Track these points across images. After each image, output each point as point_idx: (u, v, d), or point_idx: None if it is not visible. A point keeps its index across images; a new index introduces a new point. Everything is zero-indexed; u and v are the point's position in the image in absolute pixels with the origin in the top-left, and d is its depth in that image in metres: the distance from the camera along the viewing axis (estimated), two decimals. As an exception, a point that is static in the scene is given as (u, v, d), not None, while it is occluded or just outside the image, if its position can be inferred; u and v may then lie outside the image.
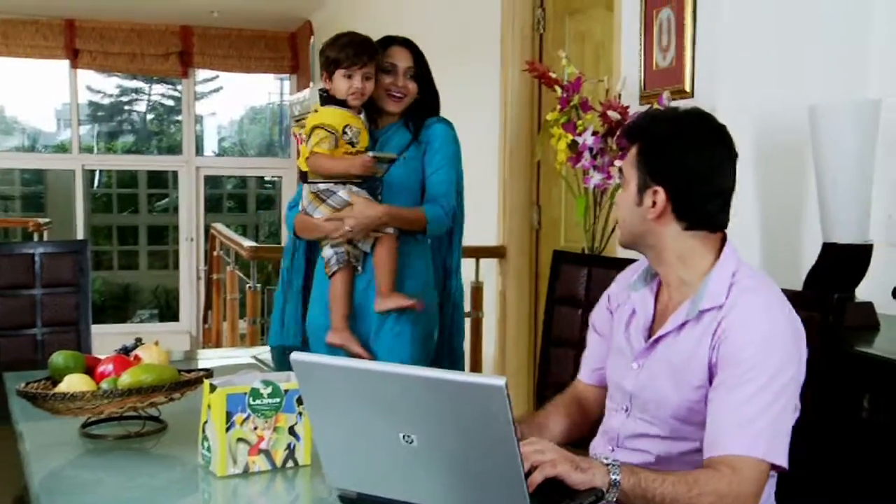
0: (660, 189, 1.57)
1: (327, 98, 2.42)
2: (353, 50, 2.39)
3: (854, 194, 2.17)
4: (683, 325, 1.58)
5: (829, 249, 2.20)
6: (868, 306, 2.20)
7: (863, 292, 2.23)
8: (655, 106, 2.55)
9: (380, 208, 2.36)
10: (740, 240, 2.43)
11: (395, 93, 2.46)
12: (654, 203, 1.58)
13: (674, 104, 2.54)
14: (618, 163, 2.51)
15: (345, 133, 2.36)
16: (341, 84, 2.38)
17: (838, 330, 1.69)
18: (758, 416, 1.45)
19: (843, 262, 2.18)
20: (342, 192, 2.37)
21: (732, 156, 1.63)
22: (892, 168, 2.34)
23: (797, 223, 2.48)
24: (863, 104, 2.19)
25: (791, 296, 1.59)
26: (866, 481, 1.86)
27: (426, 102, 2.53)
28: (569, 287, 2.48)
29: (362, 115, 2.42)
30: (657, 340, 1.62)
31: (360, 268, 2.43)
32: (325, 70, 2.43)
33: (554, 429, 1.75)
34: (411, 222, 2.41)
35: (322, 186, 2.39)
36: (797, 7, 2.46)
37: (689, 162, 1.58)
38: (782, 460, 1.47)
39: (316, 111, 2.43)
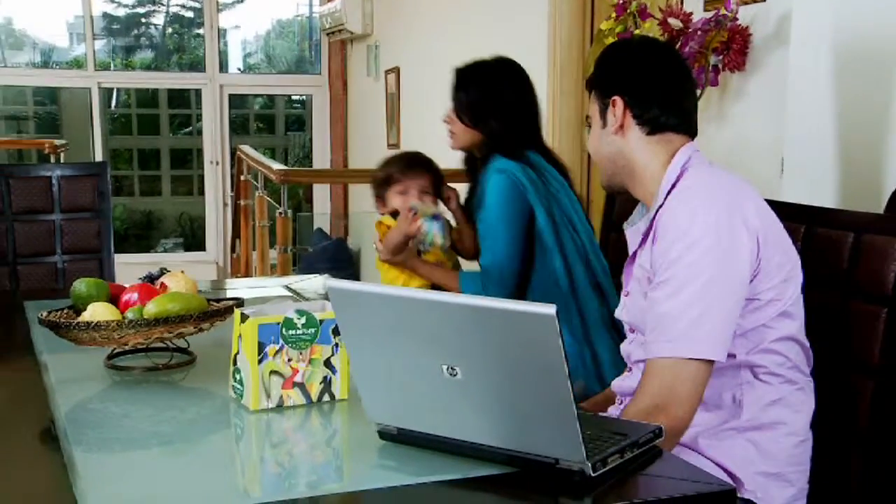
0: (616, 98, 1.72)
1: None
2: (403, 163, 2.45)
3: (944, 108, 2.11)
4: (644, 239, 1.69)
5: (914, 169, 2.15)
6: (956, 232, 2.16)
7: (950, 217, 2.19)
8: (722, 11, 2.50)
9: (402, 257, 2.40)
10: (815, 160, 2.40)
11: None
12: (615, 114, 1.72)
13: (743, 10, 2.48)
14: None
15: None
16: (396, 202, 2.42)
17: (922, 257, 1.65)
18: (678, 316, 1.53)
19: (929, 184, 2.13)
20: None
21: (685, 74, 1.78)
22: None
23: (880, 140, 2.42)
24: (958, 6, 2.11)
25: (872, 219, 1.56)
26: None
27: (490, 141, 2.40)
28: (623, 215, 2.45)
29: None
30: (631, 263, 1.75)
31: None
32: (378, 197, 2.48)
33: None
34: (439, 285, 2.41)
35: None
36: None
37: (639, 69, 1.75)
38: (712, 353, 1.53)
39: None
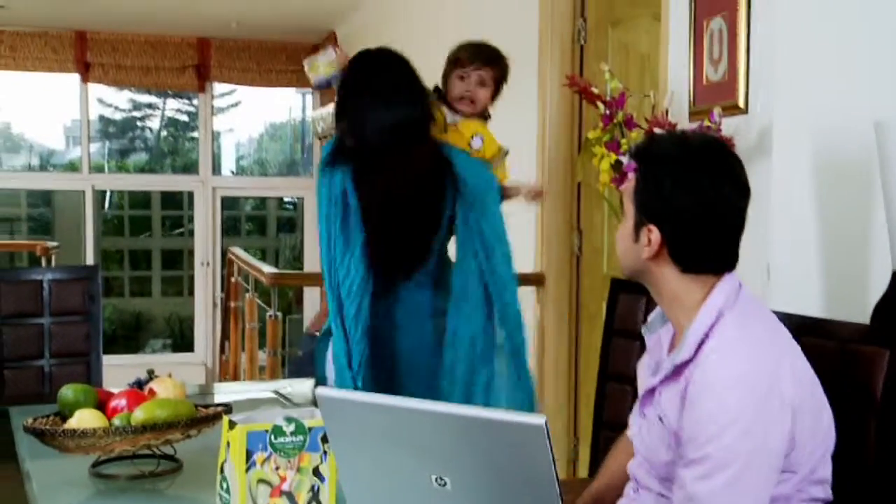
0: (654, 228, 1.54)
1: (438, 96, 2.64)
2: (472, 49, 2.61)
3: (925, 218, 2.15)
4: (666, 380, 1.56)
5: (898, 278, 2.17)
6: (942, 341, 2.17)
7: (936, 325, 2.20)
8: (706, 122, 2.55)
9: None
10: (800, 269, 2.44)
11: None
12: (650, 241, 1.55)
13: (726, 121, 2.54)
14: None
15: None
16: (456, 87, 2.62)
17: (909, 367, 1.66)
18: (708, 501, 1.44)
19: (913, 293, 2.15)
20: None
21: (741, 192, 1.56)
22: (967, 189, 2.32)
23: (863, 250, 2.46)
24: (934, 120, 2.17)
25: (857, 330, 1.58)
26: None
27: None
28: (626, 318, 2.43)
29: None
30: (650, 394, 1.62)
31: None
32: (444, 76, 2.66)
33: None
34: None
35: None
36: (860, 13, 2.45)
37: (685, 202, 1.52)
38: None
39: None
